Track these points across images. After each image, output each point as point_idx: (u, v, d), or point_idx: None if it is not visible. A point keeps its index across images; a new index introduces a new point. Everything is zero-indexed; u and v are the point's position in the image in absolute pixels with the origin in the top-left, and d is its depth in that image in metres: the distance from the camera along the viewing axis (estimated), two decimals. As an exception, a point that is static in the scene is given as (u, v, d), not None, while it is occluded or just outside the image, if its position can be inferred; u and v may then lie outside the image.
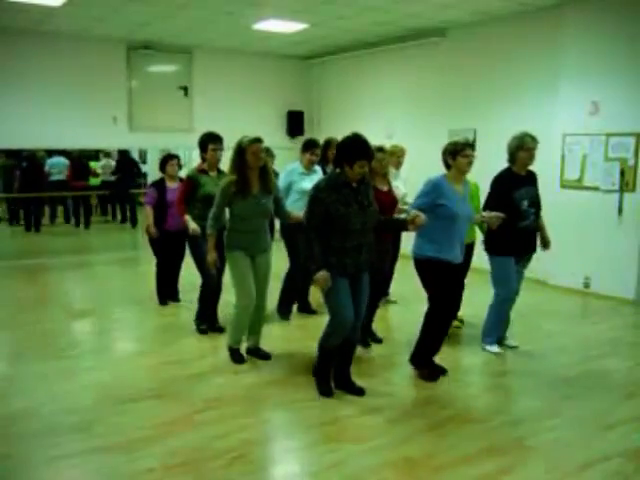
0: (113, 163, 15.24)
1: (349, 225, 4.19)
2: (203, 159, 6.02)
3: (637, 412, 4.43)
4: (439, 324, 4.88)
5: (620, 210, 7.55)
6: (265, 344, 5.50)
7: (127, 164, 14.78)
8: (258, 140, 4.93)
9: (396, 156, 6.90)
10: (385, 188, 5.55)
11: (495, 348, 5.59)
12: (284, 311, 6.55)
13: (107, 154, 15.44)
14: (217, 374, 5.06)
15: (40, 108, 10.09)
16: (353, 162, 4.15)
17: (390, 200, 5.52)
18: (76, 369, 5.16)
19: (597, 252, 7.80)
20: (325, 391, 4.55)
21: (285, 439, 4.08)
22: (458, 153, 4.77)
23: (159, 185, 6.96)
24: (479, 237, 5.87)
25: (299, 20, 9.21)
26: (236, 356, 5.29)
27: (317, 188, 4.26)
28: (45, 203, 14.59)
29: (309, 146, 6.47)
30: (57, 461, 3.64)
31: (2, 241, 13.33)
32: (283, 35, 10.21)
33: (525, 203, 5.28)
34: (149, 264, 7.71)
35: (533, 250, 5.54)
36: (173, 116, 11.24)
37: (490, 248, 5.44)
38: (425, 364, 4.97)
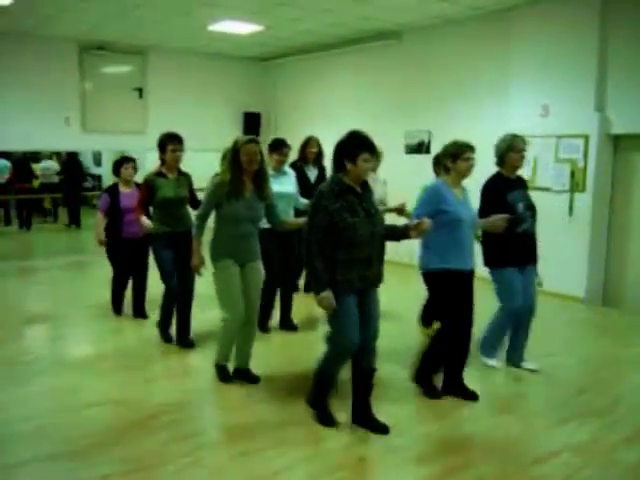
0: (55, 165, 14.89)
1: (357, 236, 3.74)
2: (162, 161, 5.65)
3: (586, 407, 4.54)
4: (462, 341, 4.56)
5: (571, 210, 7.72)
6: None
7: (73, 166, 14.54)
8: (252, 141, 4.59)
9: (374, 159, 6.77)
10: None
11: (495, 362, 5.26)
12: (261, 325, 6.07)
13: (49, 156, 15.06)
14: (171, 378, 5.03)
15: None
16: (356, 156, 3.76)
17: None
18: (28, 375, 5.05)
19: (548, 251, 7.90)
20: (327, 420, 4.08)
21: (242, 442, 4.08)
22: (459, 156, 4.50)
23: (112, 191, 6.55)
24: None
25: (254, 22, 9.21)
26: (222, 374, 4.87)
27: (319, 195, 3.82)
28: None
29: (277, 146, 5.98)
30: (8, 469, 3.57)
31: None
32: (239, 36, 10.18)
33: (521, 205, 4.97)
34: (100, 268, 7.54)
35: (536, 256, 5.19)
36: (127, 118, 11.11)
37: (490, 261, 5.08)
38: (425, 384, 4.66)
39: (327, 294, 3.75)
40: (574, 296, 7.69)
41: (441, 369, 4.69)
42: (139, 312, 6.65)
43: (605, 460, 3.77)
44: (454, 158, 4.51)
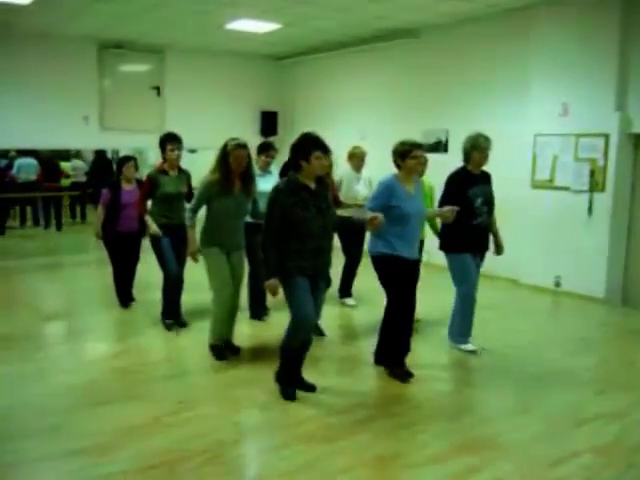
0: (83, 164, 15.00)
1: (307, 229, 4.19)
2: (164, 159, 6.13)
3: (606, 408, 4.49)
4: (401, 321, 4.89)
5: (590, 210, 7.64)
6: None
7: (103, 164, 14.50)
8: (241, 146, 5.08)
9: (358, 158, 6.96)
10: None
11: (470, 346, 5.58)
12: (257, 313, 6.53)
13: (77, 155, 15.18)
14: (187, 375, 5.05)
15: (9, 107, 9.96)
16: (309, 155, 4.17)
17: None
18: (46, 372, 5.08)
19: (567, 251, 7.89)
20: (289, 395, 4.47)
21: (257, 440, 4.07)
22: (407, 155, 4.79)
23: (114, 186, 6.84)
24: (428, 235, 6.02)
25: (272, 20, 9.20)
26: (217, 352, 5.32)
27: (275, 191, 4.26)
28: (12, 205, 14.27)
29: (264, 148, 6.47)
30: (26, 465, 3.60)
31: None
32: (256, 35, 10.18)
33: (479, 200, 5.36)
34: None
35: (486, 248, 5.62)
36: (145, 116, 11.15)
37: (445, 246, 5.52)
38: (396, 364, 4.96)
39: (274, 281, 4.25)
40: (593, 296, 7.62)
41: (408, 347, 4.98)
42: (128, 297, 7.11)
43: (626, 462, 3.73)
44: (403, 157, 4.82)
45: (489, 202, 5.48)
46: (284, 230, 4.20)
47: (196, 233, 5.33)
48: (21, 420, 4.16)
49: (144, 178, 6.34)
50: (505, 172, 8.58)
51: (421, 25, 9.46)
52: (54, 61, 10.29)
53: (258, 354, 5.49)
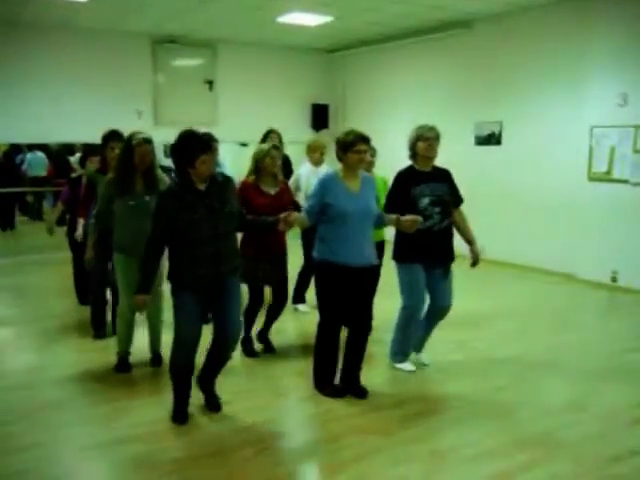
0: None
1: (196, 233, 3.75)
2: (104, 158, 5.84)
3: (666, 407, 4.38)
4: (330, 339, 4.40)
5: (649, 203, 7.45)
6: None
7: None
8: (147, 141, 4.72)
9: (318, 152, 6.39)
10: (272, 191, 5.14)
11: (408, 366, 4.98)
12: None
13: (80, 147, 14.82)
14: (243, 366, 5.10)
15: (65, 102, 10.19)
16: (194, 160, 3.73)
17: (278, 204, 4.93)
18: (101, 361, 5.17)
19: (625, 246, 7.70)
20: (177, 417, 4.03)
21: (308, 432, 4.09)
22: (349, 148, 4.22)
23: (74, 182, 6.57)
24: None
25: (323, 13, 9.19)
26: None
27: (159, 197, 3.94)
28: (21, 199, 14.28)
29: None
30: (87, 450, 3.70)
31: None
32: (307, 28, 10.19)
33: (425, 200, 4.65)
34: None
35: (446, 256, 4.81)
36: (198, 110, 11.25)
37: (394, 255, 4.84)
38: (324, 388, 4.51)
39: (141, 297, 3.87)
40: (652, 293, 7.43)
41: (335, 367, 4.51)
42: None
43: (687, 462, 3.63)
44: (344, 149, 4.25)
45: (442, 202, 4.72)
46: (172, 238, 3.80)
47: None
48: (82, 407, 4.28)
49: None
50: (561, 165, 8.48)
51: (474, 16, 9.33)
52: (109, 56, 10.47)
53: (308, 345, 5.50)
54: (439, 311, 4.92)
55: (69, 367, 5.03)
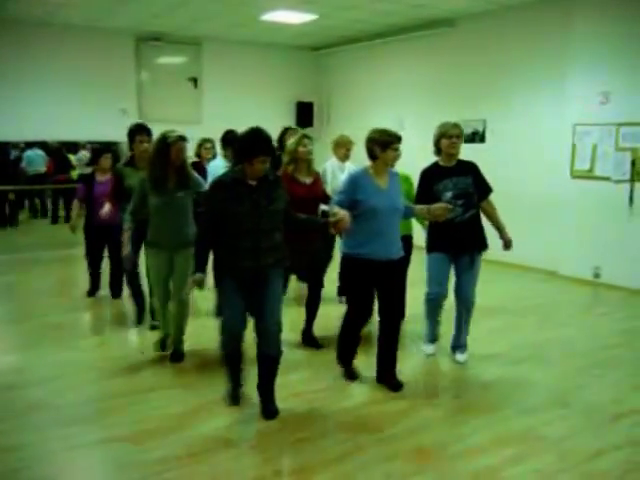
0: (88, 155, 14.74)
1: (239, 225, 3.89)
2: (132, 154, 5.96)
3: (647, 402, 4.44)
4: (354, 328, 4.61)
5: (631, 200, 7.51)
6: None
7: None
8: (182, 138, 4.88)
9: (345, 148, 6.49)
10: (308, 181, 5.32)
11: (427, 349, 5.32)
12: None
13: (84, 146, 14.43)
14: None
15: (48, 100, 10.15)
16: (253, 158, 3.85)
17: (313, 194, 5.23)
18: (83, 361, 5.18)
19: (607, 242, 7.78)
20: (230, 399, 4.26)
21: (297, 428, 4.10)
22: (388, 145, 4.41)
23: (88, 179, 6.88)
24: (417, 230, 5.80)
25: (307, 11, 9.20)
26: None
27: (210, 185, 4.13)
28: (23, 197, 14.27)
29: (233, 141, 6.10)
30: (71, 451, 3.69)
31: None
32: (291, 26, 10.20)
33: (448, 194, 4.87)
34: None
35: (472, 246, 5.01)
36: (183, 108, 11.24)
37: (425, 246, 5.16)
38: (344, 365, 4.79)
39: (200, 275, 3.94)
40: (634, 289, 7.49)
41: (356, 351, 4.76)
42: (118, 292, 7.01)
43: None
44: (384, 147, 4.42)
45: (465, 195, 4.93)
46: (218, 226, 3.94)
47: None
48: (66, 408, 4.26)
49: None
50: (544, 162, 8.54)
51: (457, 15, 9.38)
52: (92, 54, 10.43)
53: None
54: (460, 302, 5.13)
55: (54, 367, 5.00)
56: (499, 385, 4.77)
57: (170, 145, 4.79)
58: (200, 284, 3.99)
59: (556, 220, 8.34)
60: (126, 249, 5.06)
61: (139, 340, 5.83)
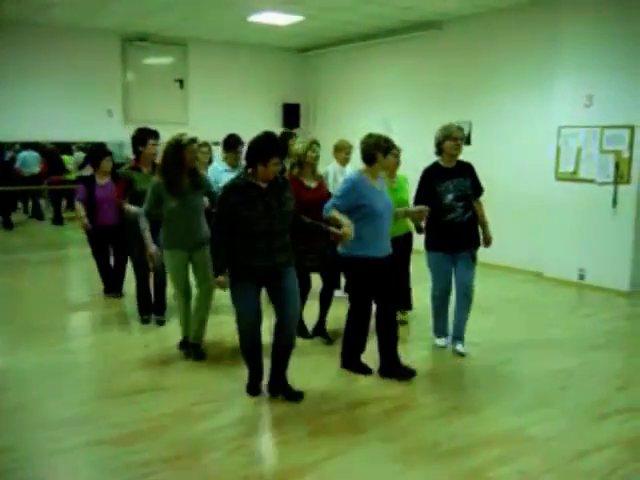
0: (80, 157, 14.62)
1: (252, 227, 4.05)
2: (138, 155, 6.09)
3: (631, 402, 4.47)
4: (361, 323, 4.78)
5: (615, 202, 7.57)
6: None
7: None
8: (194, 140, 4.99)
9: (344, 152, 6.69)
10: (313, 185, 5.46)
11: (439, 341, 5.53)
12: None
13: (80, 147, 14.78)
14: (214, 366, 5.10)
15: (33, 100, 10.08)
16: (267, 160, 4.00)
17: (317, 198, 5.24)
18: (72, 363, 5.16)
19: (592, 244, 7.84)
20: (251, 390, 4.47)
21: (281, 431, 4.10)
22: (388, 151, 4.69)
23: (89, 181, 6.91)
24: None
25: (294, 12, 9.20)
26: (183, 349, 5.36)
27: (223, 189, 4.21)
28: (17, 199, 14.18)
29: (235, 145, 6.41)
30: (56, 454, 3.67)
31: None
32: (278, 27, 10.19)
33: (449, 197, 5.08)
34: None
35: (470, 244, 5.26)
36: (169, 109, 11.20)
37: (425, 243, 5.34)
38: (352, 364, 4.91)
39: (222, 278, 4.16)
40: (617, 290, 7.56)
41: (364, 346, 4.91)
42: (118, 290, 7.16)
43: (652, 455, 3.71)
44: (385, 152, 4.65)
45: (465, 197, 5.15)
46: (232, 228, 4.10)
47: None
48: (50, 410, 4.24)
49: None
50: (529, 164, 8.60)
51: (445, 16, 9.41)
52: (78, 54, 10.37)
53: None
54: (460, 291, 5.30)
55: (42, 368, 4.97)
56: (485, 386, 4.79)
57: (184, 148, 4.88)
58: (223, 285, 4.20)
59: (541, 222, 8.39)
60: (151, 247, 5.09)
61: (135, 338, 5.80)
